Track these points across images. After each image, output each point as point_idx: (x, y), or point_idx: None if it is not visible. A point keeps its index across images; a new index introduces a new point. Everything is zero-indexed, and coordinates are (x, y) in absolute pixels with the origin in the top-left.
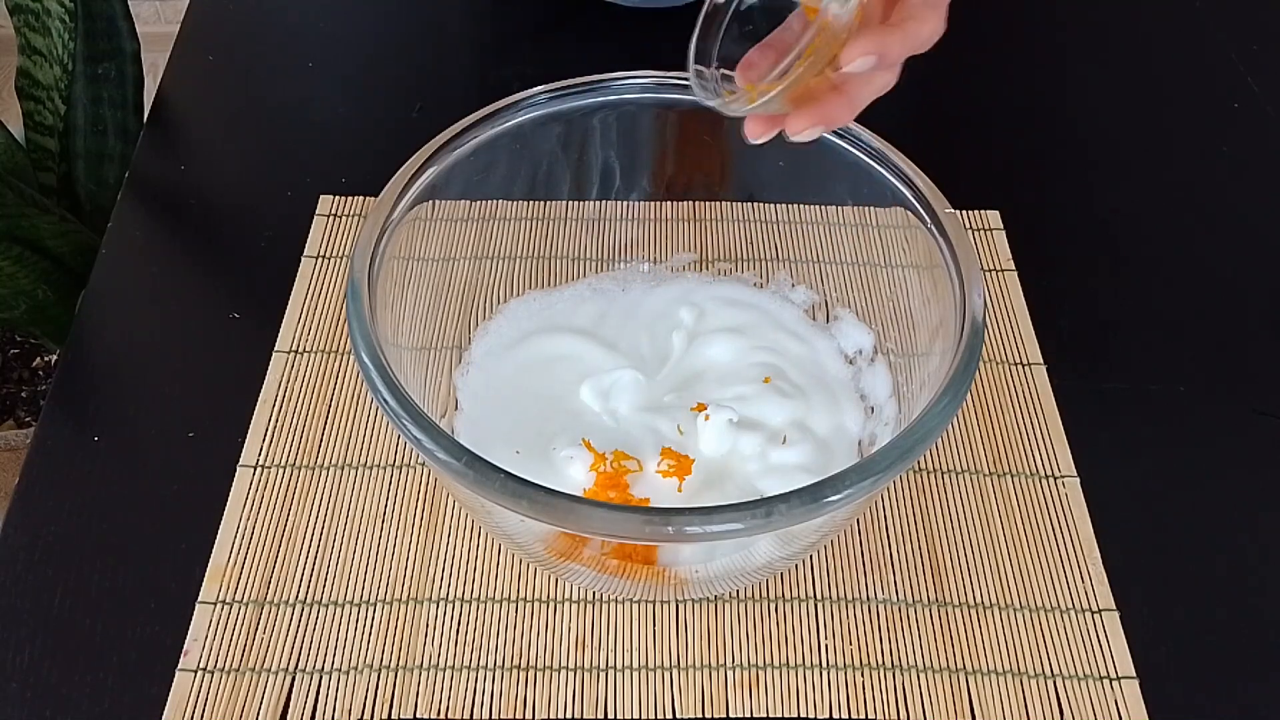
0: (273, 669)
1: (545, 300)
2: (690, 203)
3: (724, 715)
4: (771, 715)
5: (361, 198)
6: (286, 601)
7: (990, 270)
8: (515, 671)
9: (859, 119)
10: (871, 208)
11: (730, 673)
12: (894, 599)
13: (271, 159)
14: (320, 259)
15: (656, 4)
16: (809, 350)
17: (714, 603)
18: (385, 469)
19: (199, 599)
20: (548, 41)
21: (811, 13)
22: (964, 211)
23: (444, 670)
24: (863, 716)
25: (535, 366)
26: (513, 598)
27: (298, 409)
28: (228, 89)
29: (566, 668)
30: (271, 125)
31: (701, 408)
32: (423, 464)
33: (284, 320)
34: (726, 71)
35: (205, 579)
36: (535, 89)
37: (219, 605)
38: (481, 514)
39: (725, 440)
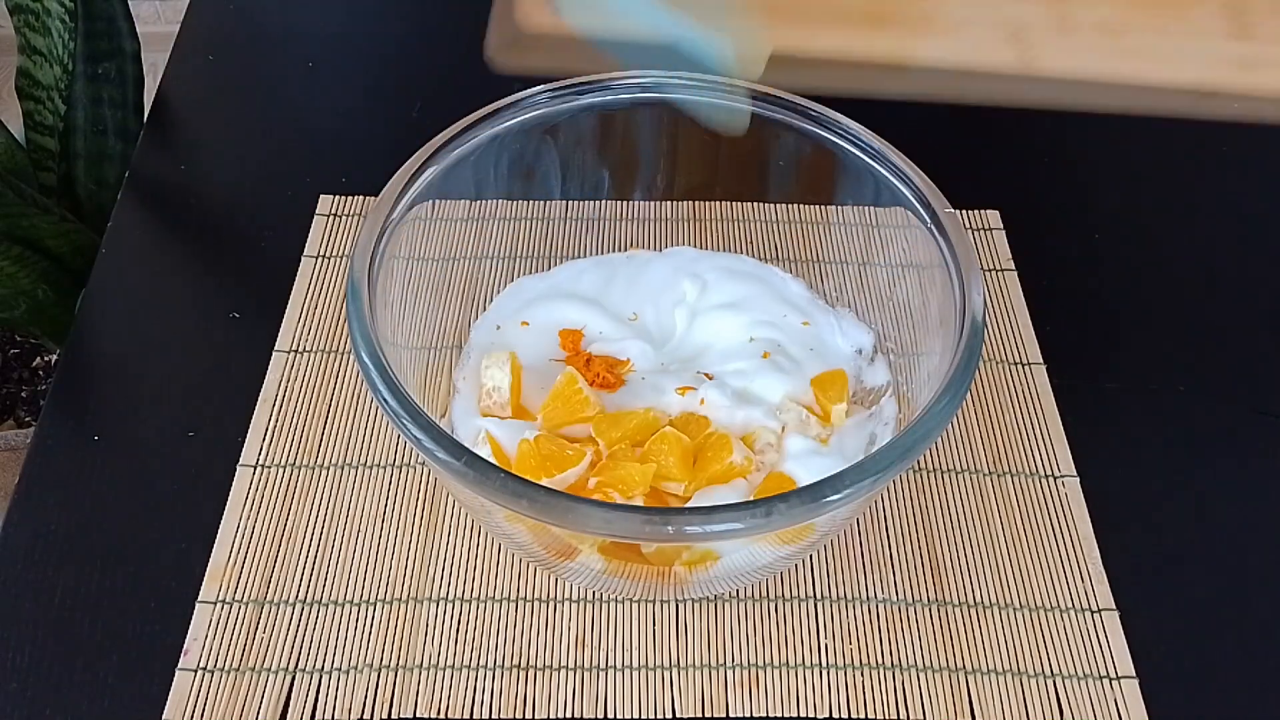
0: (273, 668)
1: (543, 278)
2: (690, 203)
3: (724, 715)
4: (771, 715)
5: (361, 198)
6: (286, 601)
7: (990, 270)
8: (515, 671)
9: (860, 120)
10: (871, 208)
11: (730, 673)
12: (894, 599)
13: (271, 159)
14: (320, 259)
15: None
16: (810, 324)
17: (714, 603)
18: (385, 469)
19: (199, 598)
20: None
21: None
22: (964, 211)
23: (444, 670)
24: (863, 716)
25: (541, 333)
26: (513, 597)
27: (298, 409)
28: (228, 89)
29: (566, 667)
30: (271, 125)
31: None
32: (423, 464)
33: (284, 320)
34: None
35: (205, 579)
36: (535, 89)
37: (219, 605)
38: (481, 514)
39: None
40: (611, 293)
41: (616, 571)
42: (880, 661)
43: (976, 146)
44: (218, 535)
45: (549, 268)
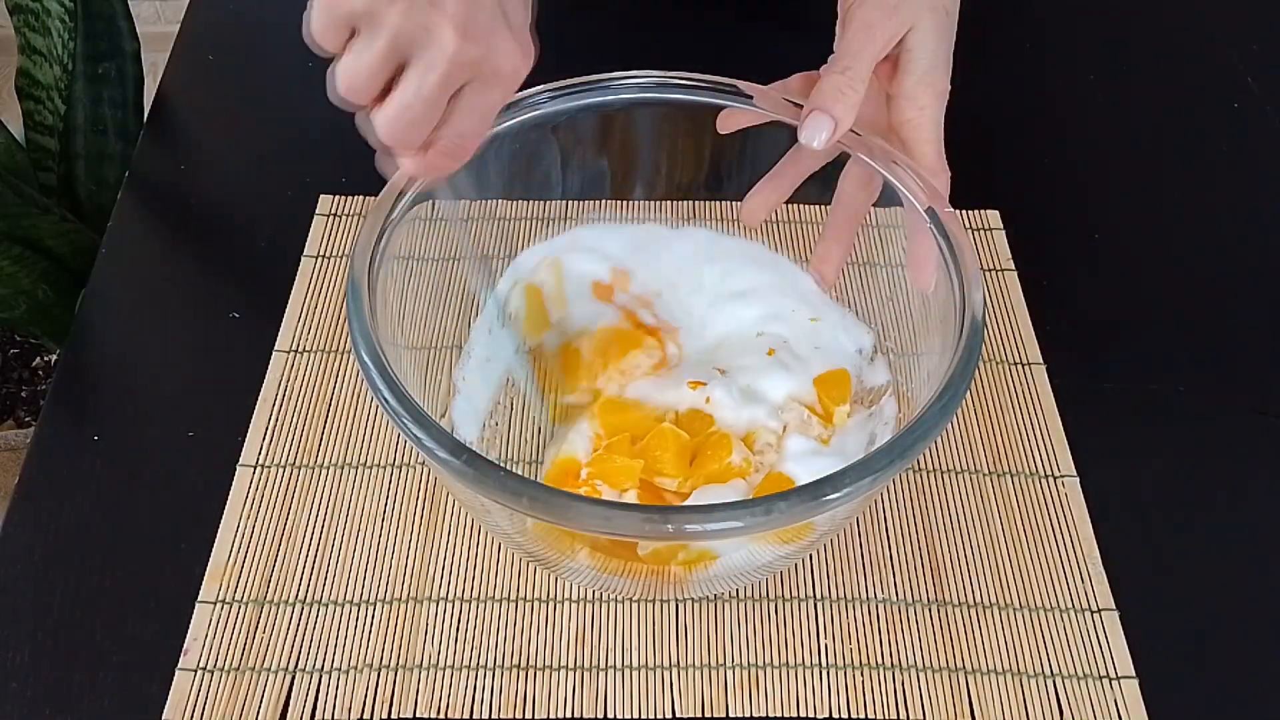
0: (272, 668)
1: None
2: (690, 203)
3: (724, 715)
4: (771, 716)
5: (361, 198)
6: (286, 601)
7: (990, 270)
8: (515, 670)
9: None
10: (872, 208)
11: (730, 673)
12: (894, 599)
13: (271, 159)
14: (320, 259)
15: None
16: (819, 320)
17: (714, 603)
18: (385, 469)
19: (199, 598)
20: (548, 41)
21: None
22: (964, 211)
23: (444, 669)
24: (863, 716)
25: (574, 280)
26: (512, 597)
27: (298, 409)
28: (228, 89)
29: (566, 667)
30: (271, 125)
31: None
32: (422, 463)
33: (284, 320)
34: None
35: (205, 578)
36: (535, 89)
37: (219, 605)
38: (481, 513)
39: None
40: (638, 262)
41: (614, 570)
42: (880, 661)
43: (976, 146)
44: (218, 535)
45: None
